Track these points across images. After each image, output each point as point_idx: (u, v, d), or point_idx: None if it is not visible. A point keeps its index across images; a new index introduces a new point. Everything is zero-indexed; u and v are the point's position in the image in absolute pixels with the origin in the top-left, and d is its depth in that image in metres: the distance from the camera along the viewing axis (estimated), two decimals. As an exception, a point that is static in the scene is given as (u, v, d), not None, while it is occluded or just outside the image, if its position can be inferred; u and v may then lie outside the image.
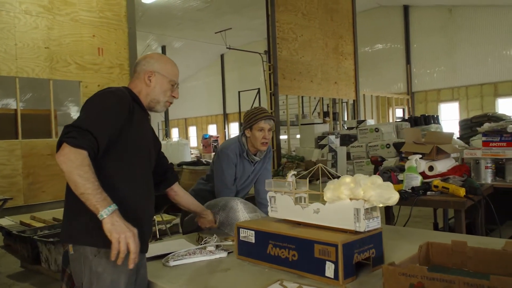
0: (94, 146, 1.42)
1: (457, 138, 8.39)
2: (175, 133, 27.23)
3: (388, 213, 3.02)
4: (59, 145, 1.41)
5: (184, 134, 26.40)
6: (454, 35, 15.45)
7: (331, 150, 10.98)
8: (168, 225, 4.93)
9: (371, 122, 12.12)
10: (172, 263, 1.67)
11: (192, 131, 26.62)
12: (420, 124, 10.06)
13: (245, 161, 2.50)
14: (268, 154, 2.61)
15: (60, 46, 7.07)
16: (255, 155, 2.51)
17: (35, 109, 10.01)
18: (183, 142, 14.18)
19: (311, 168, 1.70)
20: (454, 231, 2.49)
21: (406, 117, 14.95)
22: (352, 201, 1.48)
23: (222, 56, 23.35)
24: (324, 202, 1.57)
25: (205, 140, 20.30)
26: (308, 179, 1.72)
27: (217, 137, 21.06)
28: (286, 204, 1.71)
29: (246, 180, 2.56)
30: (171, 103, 1.82)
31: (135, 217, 1.50)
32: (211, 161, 2.91)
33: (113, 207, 1.37)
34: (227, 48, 16.35)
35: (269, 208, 1.77)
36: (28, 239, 3.91)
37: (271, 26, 10.55)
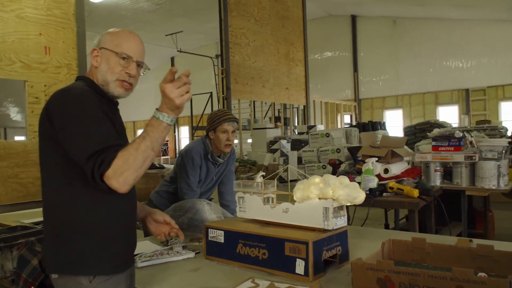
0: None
1: (402, 143, 8.83)
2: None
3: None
4: (99, 180, 1.24)
5: (133, 137, 25.67)
6: (398, 46, 16.26)
7: (283, 154, 11.16)
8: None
9: (320, 127, 12.47)
10: (140, 264, 1.65)
11: (141, 134, 25.99)
12: (368, 130, 10.48)
13: (209, 163, 2.51)
14: (232, 155, 2.63)
15: (4, 44, 6.64)
16: (219, 157, 2.53)
17: (-28, 109, 9.35)
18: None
19: (280, 170, 1.75)
20: (406, 231, 2.64)
21: (354, 123, 15.52)
22: (321, 200, 1.53)
23: (172, 59, 23.05)
24: (293, 202, 1.62)
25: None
26: (276, 180, 1.76)
27: (167, 141, 20.71)
28: (254, 204, 1.74)
29: (210, 182, 2.56)
30: (129, 83, 1.48)
31: (130, 226, 1.45)
32: (174, 163, 2.88)
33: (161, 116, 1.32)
34: (178, 51, 16.16)
35: (237, 208, 1.79)
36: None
37: (224, 30, 10.58)
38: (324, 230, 1.53)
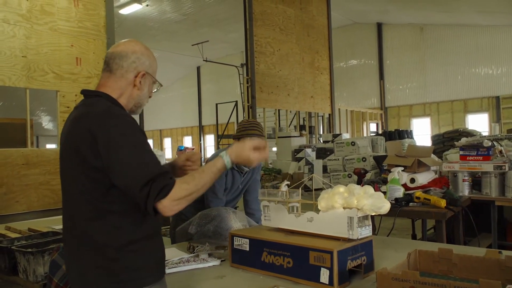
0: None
1: (429, 152, 8.66)
2: (149, 144, 26.92)
3: (372, 224, 3.10)
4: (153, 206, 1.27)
5: (159, 146, 26.15)
6: (425, 53, 16.02)
7: (308, 163, 11.12)
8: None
9: (346, 136, 12.37)
10: (166, 271, 1.68)
11: (167, 142, 26.39)
12: (394, 138, 10.33)
13: (234, 172, 2.54)
14: (258, 165, 2.66)
15: (38, 55, 6.96)
16: (244, 165, 2.55)
17: (9, 118, 9.75)
18: (158, 154, 14.02)
19: (304, 179, 1.76)
20: (433, 241, 2.59)
21: (380, 131, 15.32)
22: (345, 209, 1.54)
23: (198, 68, 23.38)
24: (317, 211, 1.63)
25: (180, 152, 20.09)
26: (301, 189, 1.78)
27: (193, 148, 20.93)
28: (279, 213, 1.76)
29: (236, 190, 2.59)
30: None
31: (160, 232, 1.49)
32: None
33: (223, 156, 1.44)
34: (203, 60, 16.40)
35: (262, 217, 1.81)
36: (5, 249, 3.80)
37: (249, 40, 10.68)
38: (349, 240, 1.53)
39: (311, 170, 11.06)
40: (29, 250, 3.81)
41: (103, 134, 1.30)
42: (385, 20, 16.74)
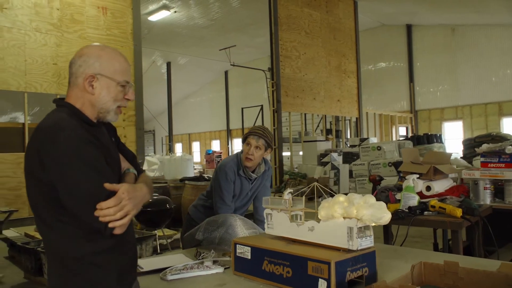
0: None
1: (461, 157, 8.39)
2: (179, 148, 27.35)
3: (386, 233, 3.03)
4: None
5: (188, 149, 26.49)
6: (457, 54, 15.57)
7: (334, 167, 10.99)
8: (169, 240, 4.95)
9: (374, 140, 12.15)
10: (169, 277, 1.70)
11: (196, 146, 26.72)
12: (423, 143, 10.08)
13: (242, 179, 2.54)
14: (267, 171, 2.65)
15: (68, 63, 7.19)
16: (253, 172, 2.56)
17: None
18: (187, 158, 14.22)
19: (308, 186, 1.74)
20: (450, 253, 2.51)
21: (410, 135, 14.99)
22: (345, 219, 1.51)
23: (226, 73, 23.58)
24: (318, 220, 1.61)
25: (209, 156, 20.35)
26: (304, 197, 1.76)
27: (221, 152, 21.12)
28: (282, 221, 1.74)
29: (245, 197, 2.59)
30: (124, 106, 1.47)
31: (122, 250, 1.45)
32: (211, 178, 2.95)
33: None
34: (231, 65, 16.55)
35: (265, 225, 1.80)
36: (32, 250, 3.94)
37: (275, 44, 10.70)
38: (349, 250, 1.50)
39: (337, 175, 10.93)
40: (53, 252, 3.95)
41: (51, 149, 1.26)
42: (415, 22, 16.38)
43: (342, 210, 1.50)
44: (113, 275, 1.38)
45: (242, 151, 2.57)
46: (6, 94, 7.10)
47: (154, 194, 5.12)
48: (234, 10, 14.94)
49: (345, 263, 1.47)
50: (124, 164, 1.52)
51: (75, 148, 1.27)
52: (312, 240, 1.62)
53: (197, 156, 25.12)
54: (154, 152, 24.88)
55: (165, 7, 14.32)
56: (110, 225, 1.26)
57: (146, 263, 1.86)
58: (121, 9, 7.91)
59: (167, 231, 5.24)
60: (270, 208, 1.79)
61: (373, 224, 1.49)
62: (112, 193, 1.27)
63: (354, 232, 1.48)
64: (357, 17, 13.25)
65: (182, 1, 14.17)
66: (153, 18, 14.96)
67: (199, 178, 6.92)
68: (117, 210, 1.26)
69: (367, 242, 1.53)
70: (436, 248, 3.68)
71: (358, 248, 1.49)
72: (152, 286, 1.65)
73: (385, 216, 1.46)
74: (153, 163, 9.32)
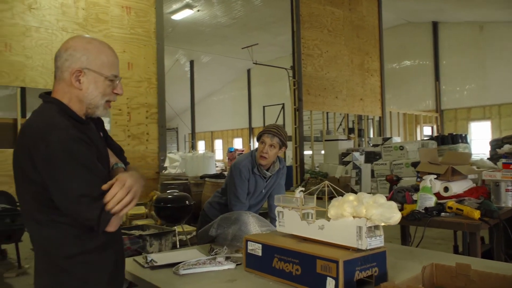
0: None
1: (487, 158, 8.16)
2: (201, 145, 27.59)
3: (404, 233, 3.00)
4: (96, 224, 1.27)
5: (210, 147, 26.70)
6: (485, 52, 15.14)
7: (355, 167, 10.89)
8: (188, 236, 5.02)
9: (397, 139, 11.96)
10: (181, 272, 1.73)
11: (218, 144, 26.89)
12: (447, 143, 9.86)
13: (257, 177, 2.56)
14: (282, 169, 2.66)
15: (92, 61, 7.38)
16: (267, 170, 2.57)
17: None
18: (209, 155, 14.34)
19: (319, 185, 1.74)
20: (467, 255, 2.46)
21: (435, 135, 14.68)
22: (355, 219, 1.51)
23: (248, 71, 23.63)
24: (329, 219, 1.61)
25: (231, 154, 20.47)
26: (315, 195, 1.76)
27: (242, 150, 21.20)
28: (293, 220, 1.75)
29: (259, 195, 2.61)
30: (113, 100, 1.45)
31: (113, 249, 1.45)
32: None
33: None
34: (253, 63, 16.57)
35: (277, 223, 1.81)
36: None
37: (296, 42, 10.67)
38: (358, 250, 1.50)
39: (358, 174, 10.82)
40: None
41: (42, 149, 1.24)
42: (441, 19, 16.02)
43: (352, 209, 1.50)
44: (104, 275, 1.39)
45: (256, 149, 2.59)
46: (34, 92, 7.33)
47: (174, 190, 5.19)
48: (256, 9, 14.96)
49: (353, 262, 1.47)
50: (112, 159, 1.51)
51: (68, 148, 1.25)
52: (322, 239, 1.63)
53: (219, 154, 25.29)
54: (177, 150, 25.19)
55: (188, 6, 14.46)
56: (116, 208, 1.25)
57: (160, 258, 1.90)
58: (144, 8, 8.04)
59: (187, 227, 5.31)
60: (282, 206, 1.80)
61: (383, 224, 1.48)
62: (104, 192, 1.27)
63: (363, 231, 1.48)
64: (381, 15, 13.05)
65: (205, 0, 14.28)
66: (177, 17, 15.12)
67: (219, 175, 6.98)
68: (124, 193, 1.27)
69: (376, 242, 1.53)
70: (456, 251, 3.61)
71: (367, 248, 1.49)
72: (165, 280, 1.69)
73: (395, 216, 1.45)
74: (174, 160, 9.44)
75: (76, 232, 1.33)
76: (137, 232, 4.55)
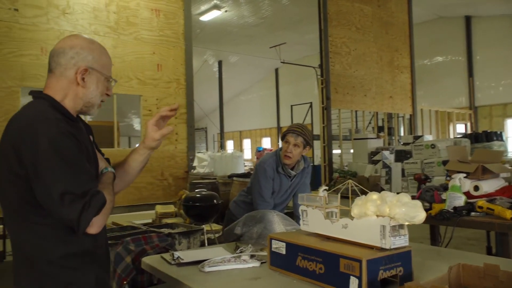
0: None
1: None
2: (230, 145, 27.78)
3: (433, 234, 2.95)
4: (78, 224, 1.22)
5: (239, 147, 26.85)
6: (522, 46, 14.59)
7: (385, 166, 10.72)
8: (216, 235, 5.08)
9: (428, 137, 11.69)
10: (207, 269, 1.77)
11: (247, 143, 27.00)
12: (481, 141, 9.56)
13: (282, 176, 2.57)
14: (307, 169, 2.66)
15: (123, 63, 7.58)
16: (292, 169, 2.58)
17: (101, 121, 10.73)
18: (237, 155, 14.43)
19: (342, 184, 1.74)
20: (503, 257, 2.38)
21: (468, 133, 14.25)
22: (378, 218, 1.50)
23: (276, 70, 23.62)
24: (352, 218, 1.61)
25: (259, 153, 20.51)
26: (340, 194, 1.76)
27: (271, 150, 21.22)
28: (316, 218, 1.76)
29: (284, 194, 2.62)
30: (103, 101, 1.47)
31: (101, 254, 1.44)
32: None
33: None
34: (281, 62, 16.55)
35: (301, 222, 1.82)
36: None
37: (324, 40, 10.58)
38: (382, 249, 1.49)
39: (388, 174, 10.65)
40: (108, 242, 4.20)
41: (29, 141, 1.22)
42: (474, 13, 15.52)
43: (375, 208, 1.49)
44: (90, 279, 1.35)
45: (281, 149, 2.60)
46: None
47: (202, 189, 5.27)
48: (284, 8, 14.93)
49: (377, 262, 1.46)
50: (102, 163, 1.49)
51: (54, 142, 1.22)
52: (345, 238, 1.63)
53: (248, 153, 25.39)
54: (206, 149, 25.47)
55: (216, 7, 14.59)
56: None
57: (186, 255, 1.95)
58: (173, 10, 8.17)
59: (215, 226, 5.36)
60: (305, 205, 1.81)
61: (407, 223, 1.46)
62: (88, 191, 1.24)
63: (387, 230, 1.47)
64: (411, 10, 12.75)
65: (233, 0, 14.36)
66: (205, 18, 15.29)
67: (247, 174, 7.02)
68: None
69: (401, 241, 1.51)
70: (489, 252, 3.51)
71: (391, 247, 1.48)
72: (191, 276, 1.73)
73: (419, 215, 1.43)
74: (203, 160, 9.56)
75: (57, 234, 1.28)
76: (166, 230, 4.65)
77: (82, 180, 1.24)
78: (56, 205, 1.20)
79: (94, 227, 1.25)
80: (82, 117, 1.55)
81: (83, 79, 1.36)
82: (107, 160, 1.56)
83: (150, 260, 1.99)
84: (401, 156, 10.48)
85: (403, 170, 9.17)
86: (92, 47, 1.39)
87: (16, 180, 1.25)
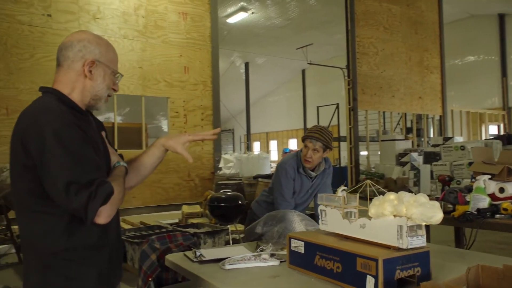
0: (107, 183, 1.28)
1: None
2: (256, 146, 27.87)
3: (458, 236, 2.90)
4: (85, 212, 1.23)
5: (265, 148, 26.89)
6: (559, 45, 14.04)
7: (413, 168, 10.52)
8: (241, 235, 5.14)
9: (459, 139, 11.39)
10: (227, 267, 1.82)
11: (273, 145, 27.03)
12: (514, 143, 9.25)
13: (303, 176, 2.60)
14: (328, 169, 2.68)
15: (152, 66, 7.76)
16: (312, 170, 2.60)
17: (130, 123, 11.01)
18: (263, 156, 14.48)
19: (359, 184, 1.76)
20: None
21: (501, 134, 13.80)
22: (395, 217, 1.51)
23: (303, 71, 23.55)
24: (370, 218, 1.62)
25: (285, 154, 20.46)
26: (358, 194, 1.78)
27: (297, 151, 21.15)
28: (335, 218, 1.78)
29: (305, 194, 2.65)
30: (110, 96, 1.49)
31: (106, 248, 1.43)
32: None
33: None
34: (308, 63, 16.50)
35: (320, 221, 1.85)
36: (117, 237, 4.36)
37: (351, 41, 10.50)
38: (399, 249, 1.50)
39: (417, 176, 10.45)
40: (135, 240, 4.32)
41: (34, 133, 1.25)
42: (509, 11, 15.03)
43: (392, 208, 1.51)
44: (92, 274, 1.35)
45: (301, 150, 2.63)
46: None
47: (228, 190, 5.35)
48: (310, 8, 14.89)
49: (394, 261, 1.47)
50: (114, 158, 1.50)
51: (58, 133, 1.24)
52: (363, 237, 1.64)
53: (274, 155, 25.40)
54: (233, 151, 25.61)
55: (242, 9, 14.70)
56: None
57: (208, 253, 2.00)
58: (200, 13, 8.30)
59: (240, 226, 5.43)
60: (324, 205, 1.83)
61: (424, 223, 1.47)
62: (93, 180, 1.25)
63: (404, 230, 1.48)
64: (441, 9, 12.49)
65: (260, 2, 14.44)
66: (232, 20, 15.43)
67: (271, 175, 7.05)
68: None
69: (418, 242, 1.52)
70: (518, 255, 3.42)
71: (408, 247, 1.49)
72: (212, 273, 1.78)
73: (436, 216, 1.43)
74: (228, 161, 9.65)
75: (63, 226, 1.29)
76: (191, 230, 4.75)
77: (87, 169, 1.25)
78: (63, 195, 1.21)
79: (102, 217, 1.25)
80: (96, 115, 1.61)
81: (90, 71, 1.39)
82: (120, 156, 1.57)
83: (174, 258, 2.05)
84: (430, 158, 10.27)
85: (432, 172, 8.98)
86: (99, 41, 1.43)
87: (24, 172, 1.28)
